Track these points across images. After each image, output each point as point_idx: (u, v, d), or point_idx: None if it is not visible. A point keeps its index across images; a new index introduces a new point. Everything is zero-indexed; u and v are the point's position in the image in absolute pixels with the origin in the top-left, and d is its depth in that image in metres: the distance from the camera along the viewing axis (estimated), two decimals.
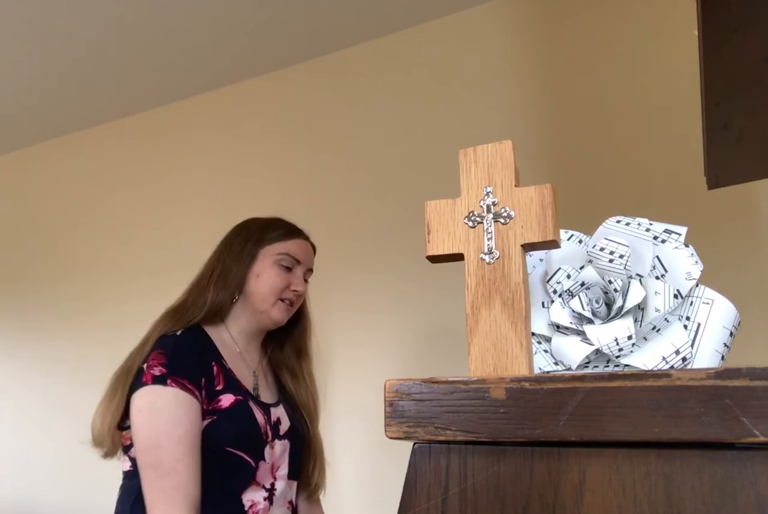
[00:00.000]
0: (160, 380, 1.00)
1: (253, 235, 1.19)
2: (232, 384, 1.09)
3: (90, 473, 2.17)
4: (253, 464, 1.06)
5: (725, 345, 0.58)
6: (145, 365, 1.03)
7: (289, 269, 1.18)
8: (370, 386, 1.72)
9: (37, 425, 2.50)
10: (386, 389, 0.51)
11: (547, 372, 0.59)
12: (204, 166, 2.37)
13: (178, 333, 1.07)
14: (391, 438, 0.50)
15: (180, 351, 1.04)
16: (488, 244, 0.56)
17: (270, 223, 1.22)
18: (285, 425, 1.16)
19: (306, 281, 1.23)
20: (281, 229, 1.21)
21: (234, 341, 1.17)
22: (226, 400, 1.05)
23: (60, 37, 2.06)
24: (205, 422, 1.03)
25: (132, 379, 1.04)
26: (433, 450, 0.49)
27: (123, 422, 1.05)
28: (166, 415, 0.98)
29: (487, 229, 0.56)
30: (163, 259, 2.29)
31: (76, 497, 2.32)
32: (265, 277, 1.16)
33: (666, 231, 0.62)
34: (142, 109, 2.54)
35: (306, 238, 1.25)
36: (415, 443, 0.50)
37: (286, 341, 1.27)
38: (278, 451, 1.12)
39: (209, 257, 1.21)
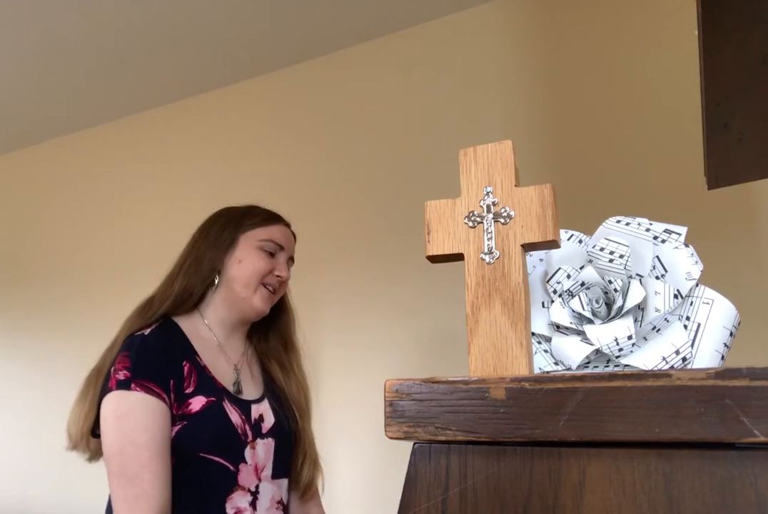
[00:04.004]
0: (123, 385, 0.96)
1: (232, 222, 1.16)
2: (206, 384, 1.04)
3: (91, 474, 2.17)
4: (232, 468, 1.02)
5: (725, 345, 0.58)
6: (112, 369, 1.00)
7: (272, 255, 1.15)
8: (370, 386, 1.72)
9: (38, 424, 2.50)
10: (386, 389, 0.51)
11: (547, 372, 0.59)
12: (203, 167, 2.37)
13: (146, 332, 1.03)
14: (391, 438, 0.50)
15: (146, 353, 1.00)
16: (488, 244, 0.56)
17: (248, 209, 1.19)
18: (269, 422, 1.11)
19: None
20: (261, 214, 1.18)
21: (212, 333, 1.13)
22: (197, 403, 1.01)
23: (60, 37, 2.05)
24: (176, 428, 0.99)
25: (101, 383, 1.01)
26: (433, 450, 0.49)
27: (96, 428, 1.02)
28: (130, 421, 0.95)
29: (487, 229, 0.56)
30: (161, 255, 2.29)
31: (76, 497, 2.31)
32: (247, 261, 1.12)
33: (666, 231, 0.62)
34: (141, 109, 2.54)
35: (287, 224, 1.22)
36: (415, 443, 0.50)
37: (271, 333, 1.23)
38: (261, 451, 1.07)
39: (184, 247, 1.18)
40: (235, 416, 1.05)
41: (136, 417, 0.95)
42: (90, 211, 2.62)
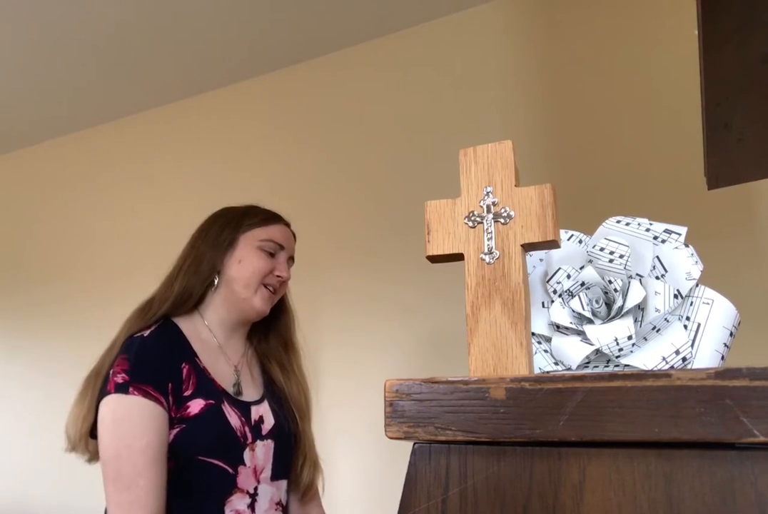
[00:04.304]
0: (121, 389, 0.96)
1: (231, 222, 1.15)
2: (205, 386, 1.03)
3: (91, 474, 2.17)
4: (231, 470, 1.01)
5: (725, 345, 0.58)
6: (111, 371, 0.99)
7: (272, 255, 1.14)
8: (370, 386, 1.72)
9: (38, 424, 2.50)
10: (386, 389, 0.51)
11: (547, 372, 0.59)
12: (203, 167, 2.37)
13: (146, 334, 1.03)
14: (391, 438, 0.50)
15: (144, 355, 0.99)
16: (488, 245, 0.56)
17: (248, 209, 1.19)
18: (268, 423, 1.10)
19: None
20: (261, 214, 1.18)
21: (213, 334, 1.13)
22: (195, 406, 1.00)
23: (60, 36, 2.06)
24: (174, 431, 0.98)
25: (100, 385, 1.01)
26: (433, 450, 0.49)
27: (95, 430, 1.01)
28: (127, 425, 0.94)
29: (487, 229, 0.56)
30: (161, 255, 2.29)
31: (76, 497, 2.31)
32: (247, 261, 1.11)
33: (666, 231, 0.62)
34: (141, 109, 2.54)
35: (287, 224, 1.21)
36: (415, 443, 0.50)
37: (271, 334, 1.22)
38: (260, 453, 1.06)
39: (183, 248, 1.17)
40: (234, 419, 1.04)
41: (133, 421, 0.94)
42: (90, 211, 2.62)
